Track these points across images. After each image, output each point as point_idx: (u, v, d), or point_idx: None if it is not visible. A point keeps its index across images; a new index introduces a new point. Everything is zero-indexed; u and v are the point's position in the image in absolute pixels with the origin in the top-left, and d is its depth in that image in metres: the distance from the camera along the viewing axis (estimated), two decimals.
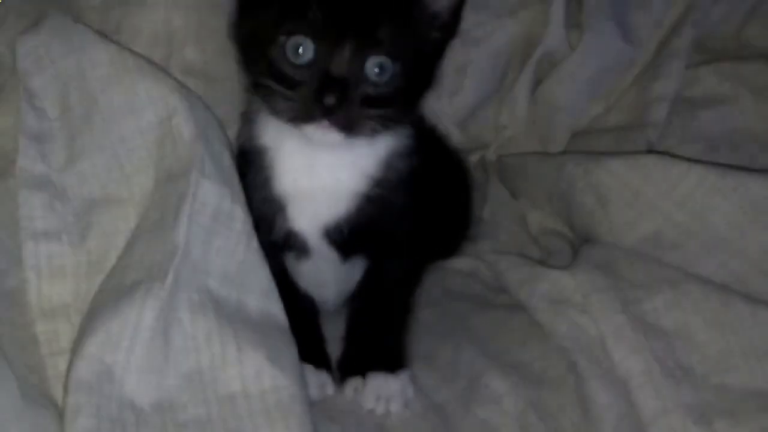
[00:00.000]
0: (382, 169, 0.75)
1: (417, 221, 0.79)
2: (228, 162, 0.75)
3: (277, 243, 0.77)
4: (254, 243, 0.73)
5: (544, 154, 1.13)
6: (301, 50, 0.65)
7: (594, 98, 1.16)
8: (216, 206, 0.71)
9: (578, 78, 1.15)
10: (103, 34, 0.77)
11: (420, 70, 0.70)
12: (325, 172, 0.74)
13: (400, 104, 0.69)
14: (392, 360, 0.77)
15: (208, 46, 0.87)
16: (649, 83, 1.11)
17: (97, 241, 0.70)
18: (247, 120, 0.78)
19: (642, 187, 0.88)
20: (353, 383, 0.75)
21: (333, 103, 0.64)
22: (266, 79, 0.67)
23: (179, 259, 0.65)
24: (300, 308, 0.79)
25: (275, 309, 0.71)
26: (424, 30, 0.70)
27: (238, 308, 0.68)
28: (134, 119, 0.74)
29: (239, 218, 0.72)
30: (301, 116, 0.67)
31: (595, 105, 1.16)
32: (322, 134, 0.67)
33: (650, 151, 1.02)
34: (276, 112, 0.69)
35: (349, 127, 0.66)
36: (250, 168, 0.76)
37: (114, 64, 0.75)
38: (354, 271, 0.81)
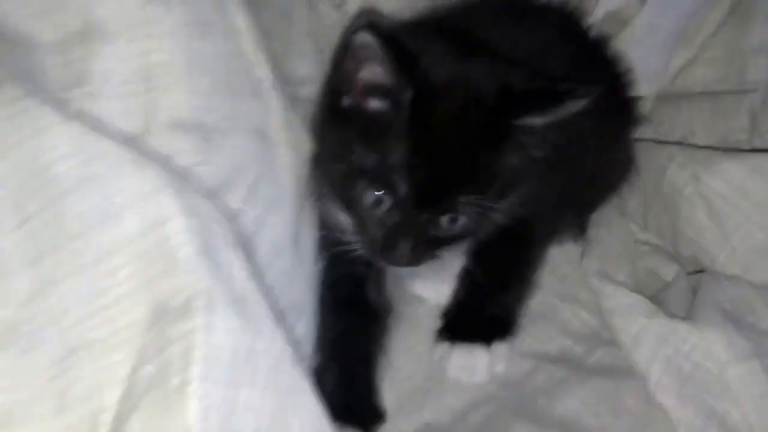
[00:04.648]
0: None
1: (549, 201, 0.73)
2: (240, 273, 0.55)
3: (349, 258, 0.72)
4: (290, 371, 0.55)
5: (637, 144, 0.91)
6: (376, 202, 0.65)
7: (675, 51, 0.96)
8: (234, 348, 0.52)
9: (654, 35, 0.96)
10: (63, 114, 0.56)
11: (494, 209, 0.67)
12: None
13: (467, 239, 0.70)
14: (488, 329, 0.72)
15: (202, 82, 0.65)
16: (741, 28, 0.92)
17: (77, 414, 0.52)
18: None
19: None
20: (440, 350, 0.72)
21: (398, 261, 0.66)
22: (340, 203, 0.69)
23: None
24: (357, 340, 0.72)
25: None
26: (517, 163, 0.66)
27: None
28: (112, 229, 0.54)
29: (265, 350, 0.53)
30: (368, 248, 0.68)
31: (676, 59, 0.97)
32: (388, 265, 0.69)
33: None
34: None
35: (414, 263, 0.67)
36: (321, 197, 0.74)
37: (80, 153, 0.54)
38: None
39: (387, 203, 0.64)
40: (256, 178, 0.67)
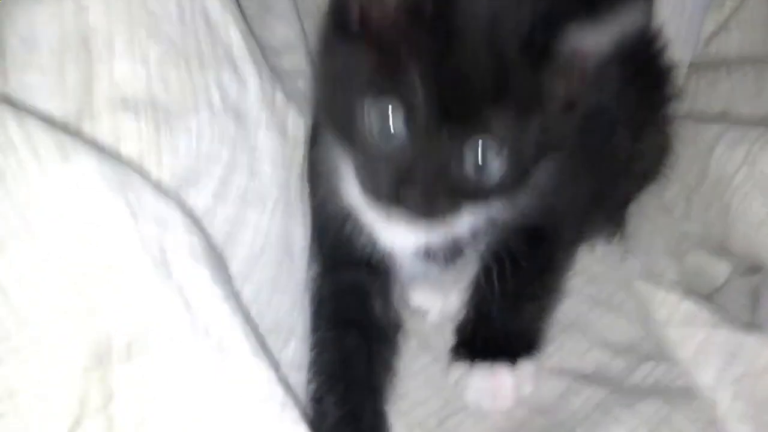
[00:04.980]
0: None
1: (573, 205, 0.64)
2: (207, 296, 0.42)
3: (350, 261, 0.63)
4: (278, 421, 0.42)
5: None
6: (390, 125, 0.52)
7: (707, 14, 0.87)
8: (198, 398, 0.40)
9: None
10: None
11: (532, 160, 0.54)
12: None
13: (500, 193, 0.55)
14: (511, 345, 0.64)
15: (154, 48, 0.52)
16: None
17: None
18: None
19: None
20: (457, 371, 0.64)
21: (412, 203, 0.53)
22: (343, 137, 0.56)
23: None
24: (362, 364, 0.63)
25: None
26: (556, 95, 0.53)
27: None
28: (31, 242, 0.40)
29: (242, 396, 0.42)
30: (373, 194, 0.55)
31: (707, 23, 0.87)
32: (396, 216, 0.54)
33: None
34: (353, 172, 0.56)
35: (430, 219, 0.54)
36: (319, 178, 0.63)
37: None
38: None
39: (399, 123, 0.51)
40: (229, 168, 0.54)
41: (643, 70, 0.75)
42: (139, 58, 0.51)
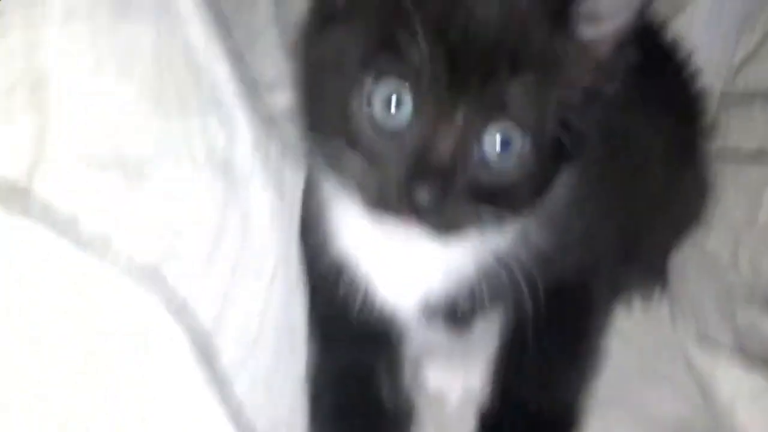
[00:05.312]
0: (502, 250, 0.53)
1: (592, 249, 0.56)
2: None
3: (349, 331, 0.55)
4: None
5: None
6: (393, 104, 0.45)
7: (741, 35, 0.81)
8: None
9: (720, 16, 0.79)
10: None
11: (558, 145, 0.47)
12: (413, 251, 0.53)
13: (523, 196, 0.48)
14: (547, 429, 0.57)
15: (123, 93, 0.43)
16: None
17: None
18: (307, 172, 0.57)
19: None
20: None
21: (428, 199, 0.44)
22: (336, 140, 0.47)
23: None
24: None
25: None
26: (575, 74, 0.47)
27: None
28: None
29: None
30: (379, 203, 0.47)
31: (740, 48, 0.81)
32: (406, 230, 0.47)
33: None
34: (345, 186, 0.48)
35: (445, 227, 0.47)
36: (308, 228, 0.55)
37: None
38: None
39: (406, 106, 0.45)
40: (217, 234, 0.44)
41: (675, 97, 0.69)
42: (105, 103, 0.41)
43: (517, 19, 0.46)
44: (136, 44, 0.44)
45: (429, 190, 0.44)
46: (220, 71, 0.48)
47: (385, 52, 0.45)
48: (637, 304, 0.66)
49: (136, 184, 0.41)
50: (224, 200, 0.45)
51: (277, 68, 0.62)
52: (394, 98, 0.45)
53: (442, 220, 0.46)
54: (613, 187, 0.56)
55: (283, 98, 0.58)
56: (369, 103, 0.45)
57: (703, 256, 0.68)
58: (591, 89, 0.48)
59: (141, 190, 0.41)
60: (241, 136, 0.47)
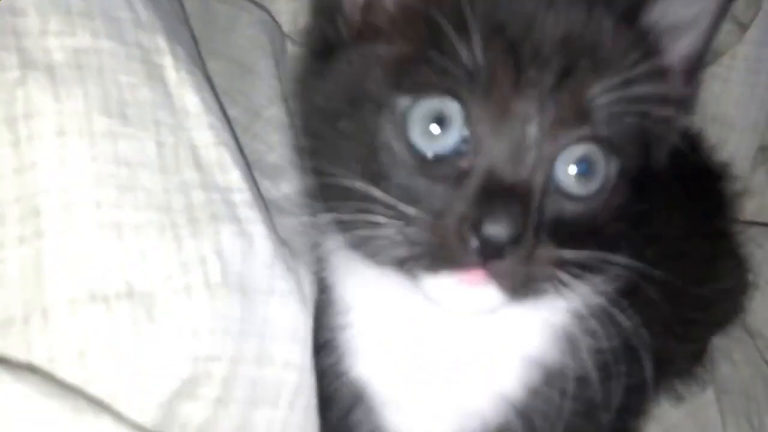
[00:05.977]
0: (556, 347, 0.44)
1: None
2: None
3: None
4: None
5: None
6: (437, 126, 0.37)
7: None
8: None
9: (757, 70, 0.76)
10: None
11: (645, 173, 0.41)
12: (448, 354, 0.44)
13: (610, 235, 0.39)
14: None
15: (127, 213, 0.39)
16: None
17: None
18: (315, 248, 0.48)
19: None
20: None
21: (506, 234, 0.34)
22: (361, 183, 0.38)
23: None
24: None
25: None
26: (654, 92, 0.39)
27: None
28: None
29: None
30: (426, 259, 0.37)
31: None
32: (468, 293, 0.37)
33: None
34: (368, 247, 0.39)
35: (522, 283, 0.36)
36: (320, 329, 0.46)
37: None
38: None
39: (454, 127, 0.37)
40: (234, 363, 0.40)
41: (703, 196, 0.65)
42: (107, 226, 0.37)
43: (591, 17, 0.39)
44: (140, 154, 0.39)
45: (507, 221, 0.34)
46: (232, 173, 0.43)
47: (424, 64, 0.37)
48: (679, 386, 0.62)
49: (144, 322, 0.36)
50: (241, 325, 0.40)
51: (282, 144, 0.56)
52: (438, 121, 0.37)
53: (521, 270, 0.36)
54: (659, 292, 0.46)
55: (289, 185, 0.52)
56: (404, 128, 0.38)
57: (743, 336, 0.63)
58: (667, 118, 0.42)
59: (151, 327, 0.37)
60: (258, 246, 0.42)
